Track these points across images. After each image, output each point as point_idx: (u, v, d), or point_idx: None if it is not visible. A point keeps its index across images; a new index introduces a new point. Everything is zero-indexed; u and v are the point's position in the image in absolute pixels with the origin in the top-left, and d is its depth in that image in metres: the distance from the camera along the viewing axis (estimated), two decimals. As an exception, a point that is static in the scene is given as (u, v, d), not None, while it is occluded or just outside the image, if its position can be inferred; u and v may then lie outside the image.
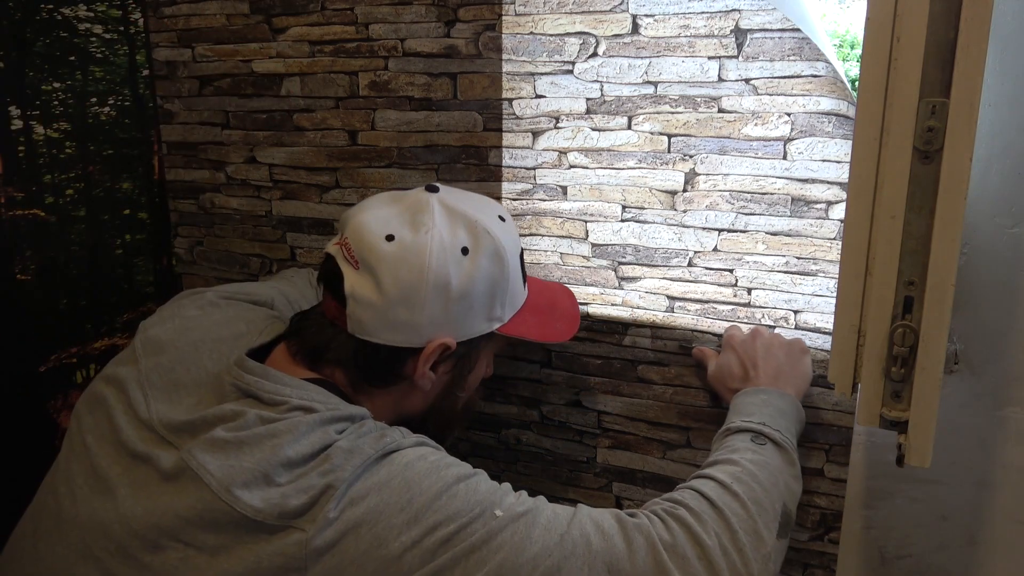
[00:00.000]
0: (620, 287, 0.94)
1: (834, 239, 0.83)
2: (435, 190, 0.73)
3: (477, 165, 0.97)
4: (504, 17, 0.91)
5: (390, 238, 0.68)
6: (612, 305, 0.95)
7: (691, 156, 0.87)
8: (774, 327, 0.87)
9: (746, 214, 0.86)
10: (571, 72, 0.90)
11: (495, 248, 0.71)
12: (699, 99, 0.85)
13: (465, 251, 0.70)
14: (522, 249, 0.77)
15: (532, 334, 0.77)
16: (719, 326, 0.90)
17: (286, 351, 0.72)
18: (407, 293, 0.67)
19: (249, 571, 0.57)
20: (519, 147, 0.95)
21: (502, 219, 0.75)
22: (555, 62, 0.90)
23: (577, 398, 0.99)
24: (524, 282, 0.79)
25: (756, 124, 0.83)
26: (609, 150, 0.90)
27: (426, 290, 0.67)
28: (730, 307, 0.89)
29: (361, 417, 0.66)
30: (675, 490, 0.71)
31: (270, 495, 0.58)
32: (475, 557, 0.58)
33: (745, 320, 0.89)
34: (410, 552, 0.57)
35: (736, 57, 0.82)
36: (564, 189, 0.94)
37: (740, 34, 0.81)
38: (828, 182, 0.82)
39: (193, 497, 0.59)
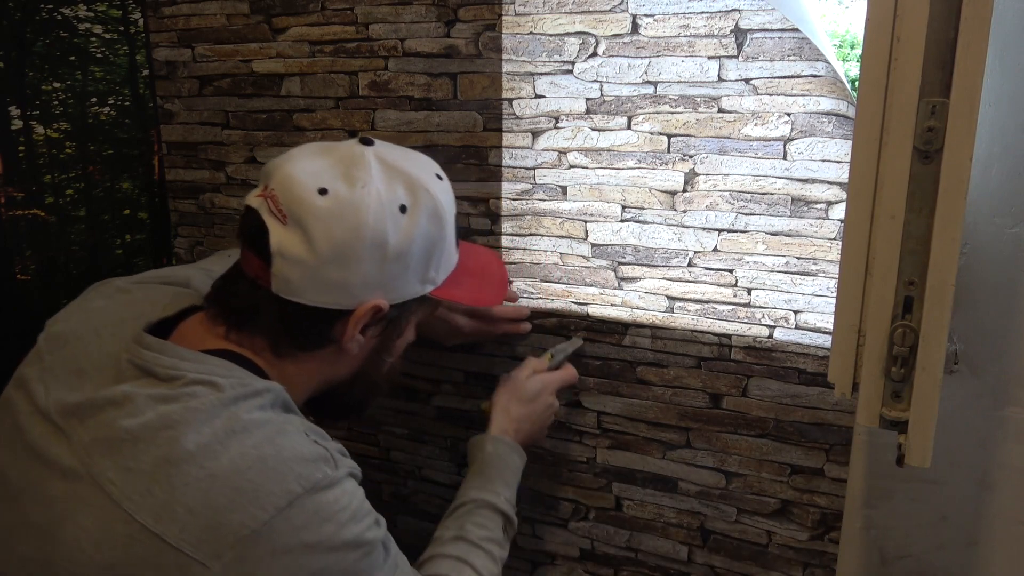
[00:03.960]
0: (620, 287, 0.94)
1: (834, 239, 0.83)
2: (370, 143, 0.69)
3: (477, 165, 0.97)
4: (504, 17, 0.91)
5: (323, 191, 0.63)
6: (612, 305, 0.95)
7: (691, 156, 0.87)
8: (773, 327, 0.87)
9: (746, 214, 0.86)
10: (571, 72, 0.90)
11: (434, 207, 0.68)
12: (699, 99, 0.85)
13: (403, 209, 0.66)
14: (456, 210, 0.74)
15: (466, 298, 0.75)
16: (719, 326, 0.90)
17: (203, 319, 0.68)
18: (341, 251, 0.63)
19: None
20: (519, 147, 0.95)
21: (439, 177, 0.71)
22: (555, 62, 0.90)
23: (577, 398, 0.99)
24: (457, 245, 0.76)
25: (756, 124, 0.83)
26: (609, 150, 0.90)
27: (362, 248, 0.63)
28: (730, 307, 0.89)
29: (269, 391, 0.63)
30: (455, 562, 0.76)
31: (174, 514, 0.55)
32: None
33: (745, 320, 0.89)
34: None
35: (736, 57, 0.82)
36: (564, 189, 0.94)
37: (740, 34, 0.81)
38: (828, 182, 0.82)
39: (95, 516, 0.56)
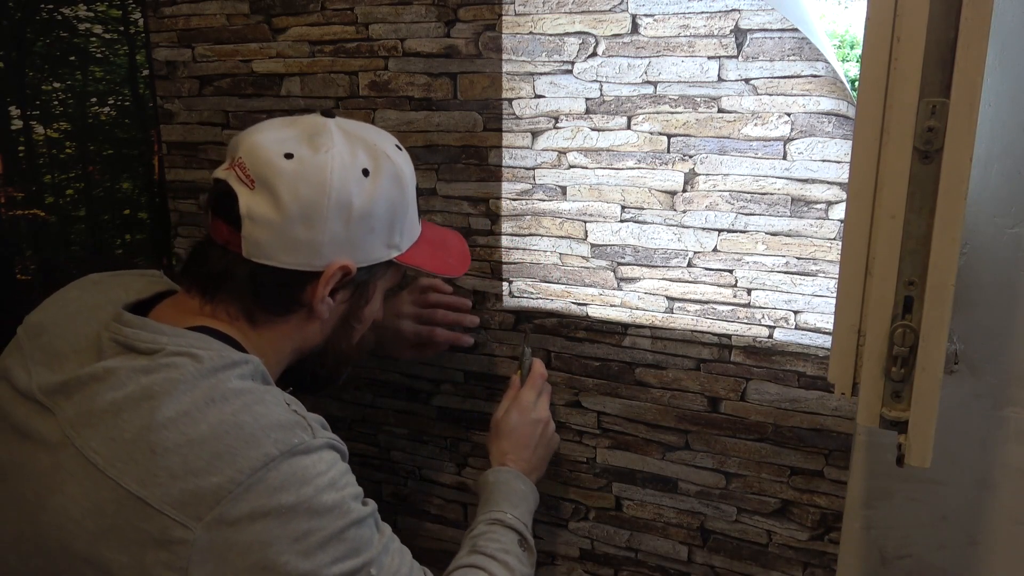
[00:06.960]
0: (619, 288, 0.94)
1: (834, 239, 0.83)
2: (331, 115, 0.73)
3: (477, 165, 0.97)
4: (504, 17, 0.91)
5: (289, 156, 0.66)
6: (611, 306, 0.95)
7: (691, 156, 0.87)
8: (773, 327, 0.87)
9: (746, 214, 0.86)
10: (570, 72, 0.90)
11: (395, 171, 0.71)
12: (699, 99, 0.85)
13: (366, 172, 0.69)
14: (417, 184, 0.78)
15: (429, 265, 0.78)
16: (719, 327, 0.90)
17: (177, 300, 0.70)
18: (308, 210, 0.65)
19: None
20: (519, 147, 0.95)
21: (399, 148, 0.75)
22: (554, 62, 0.90)
23: (577, 399, 0.99)
24: (419, 216, 0.79)
25: (756, 124, 0.83)
26: (608, 150, 0.90)
27: (328, 207, 0.66)
28: (730, 308, 0.89)
29: (248, 363, 0.64)
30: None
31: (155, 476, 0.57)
32: None
33: (745, 320, 0.89)
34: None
35: (736, 57, 0.82)
36: (563, 189, 0.94)
37: (740, 34, 0.81)
38: (828, 182, 0.82)
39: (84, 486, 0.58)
